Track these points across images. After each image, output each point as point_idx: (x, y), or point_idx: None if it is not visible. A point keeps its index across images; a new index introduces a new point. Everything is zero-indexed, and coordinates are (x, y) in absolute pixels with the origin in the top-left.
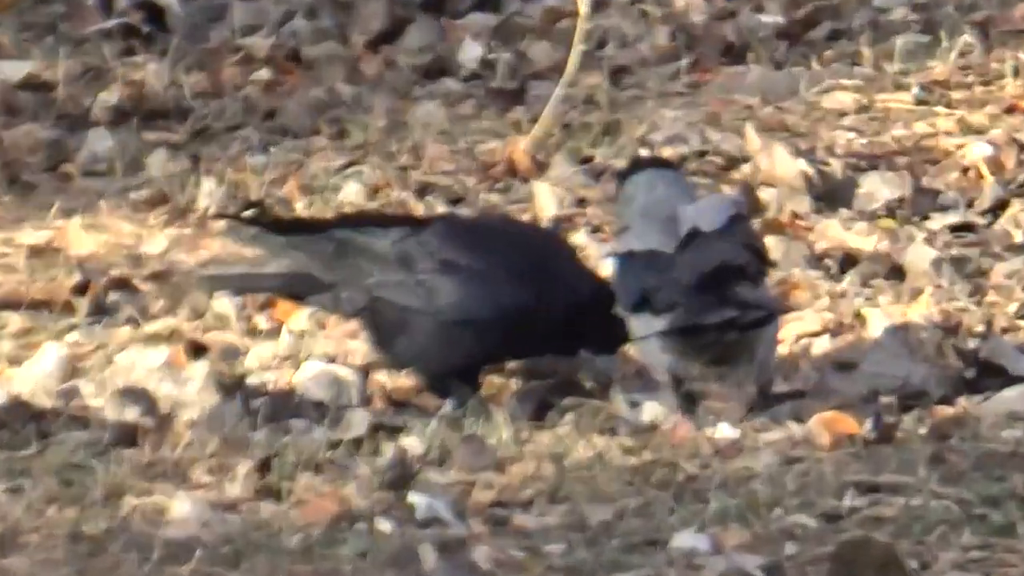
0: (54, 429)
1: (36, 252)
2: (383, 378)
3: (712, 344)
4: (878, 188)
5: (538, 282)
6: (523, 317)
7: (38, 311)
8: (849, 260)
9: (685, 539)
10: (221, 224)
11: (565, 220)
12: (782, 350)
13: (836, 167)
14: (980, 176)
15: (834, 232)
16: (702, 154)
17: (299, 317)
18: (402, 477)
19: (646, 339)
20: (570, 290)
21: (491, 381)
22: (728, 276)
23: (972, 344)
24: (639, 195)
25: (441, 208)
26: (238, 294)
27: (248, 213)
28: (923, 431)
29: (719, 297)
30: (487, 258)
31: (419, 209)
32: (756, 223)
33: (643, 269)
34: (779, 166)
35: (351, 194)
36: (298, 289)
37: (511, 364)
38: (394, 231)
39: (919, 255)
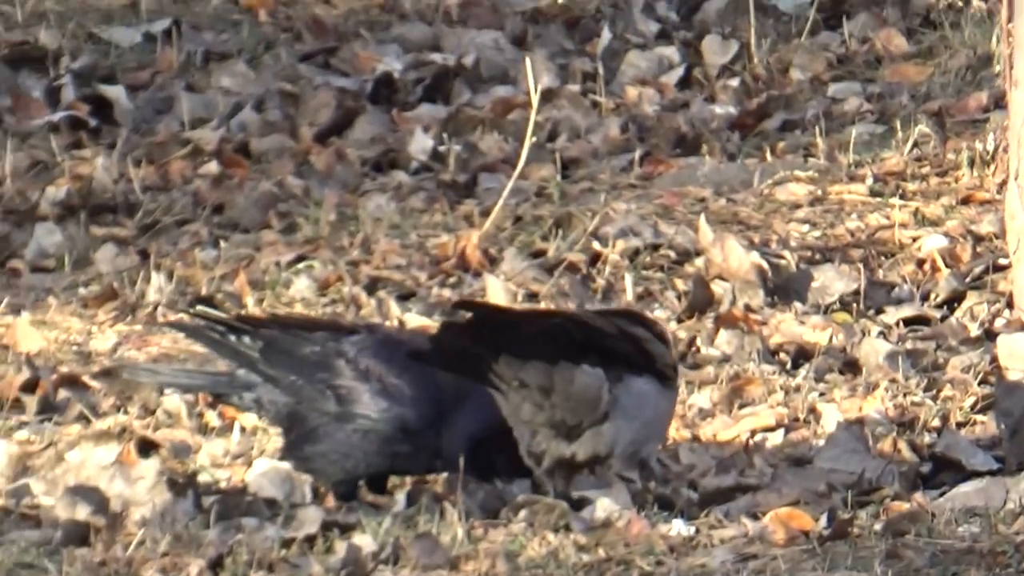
0: (5, 528)
1: None
2: None
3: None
4: (832, 281)
5: (442, 408)
6: (422, 438)
7: None
8: (803, 354)
9: None
10: (169, 319)
11: None
12: (734, 445)
13: (790, 260)
14: (935, 268)
15: (788, 326)
16: (655, 247)
17: (250, 414)
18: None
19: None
20: (474, 423)
21: (439, 479)
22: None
23: (928, 439)
24: None
25: (393, 303)
26: (167, 388)
27: (198, 309)
28: (878, 527)
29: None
30: (404, 375)
31: (370, 304)
32: (710, 317)
33: None
34: (732, 259)
35: (302, 289)
36: (222, 390)
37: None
38: (319, 335)
39: (874, 349)
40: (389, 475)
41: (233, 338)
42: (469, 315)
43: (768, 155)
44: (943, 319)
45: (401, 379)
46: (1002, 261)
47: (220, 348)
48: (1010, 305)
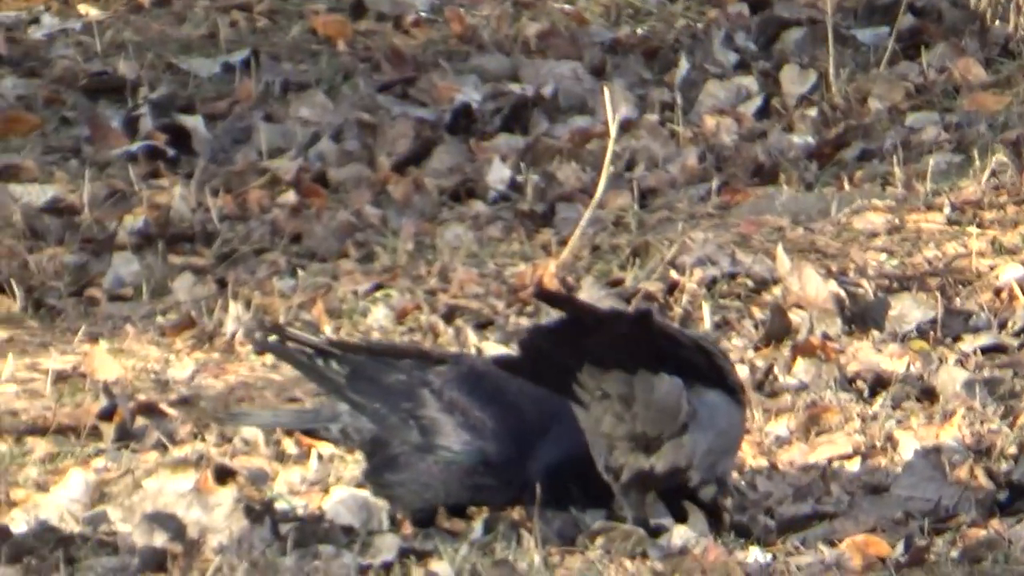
0: (82, 555)
1: (62, 377)
2: None
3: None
4: (910, 310)
5: (525, 442)
6: (503, 472)
7: (64, 436)
8: (880, 382)
9: None
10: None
11: None
12: (811, 473)
13: (867, 288)
14: (1013, 297)
15: (865, 354)
16: (732, 276)
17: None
18: None
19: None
20: (554, 452)
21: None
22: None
23: (1004, 466)
24: None
25: (470, 332)
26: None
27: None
28: (955, 554)
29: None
30: (488, 408)
31: (447, 333)
32: (787, 346)
33: None
34: (809, 288)
35: (379, 318)
36: (309, 425)
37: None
38: (406, 363)
39: (951, 377)
40: (469, 506)
41: (321, 362)
42: (556, 314)
43: (846, 184)
44: (1020, 348)
45: (484, 412)
46: None
47: (308, 371)
48: None
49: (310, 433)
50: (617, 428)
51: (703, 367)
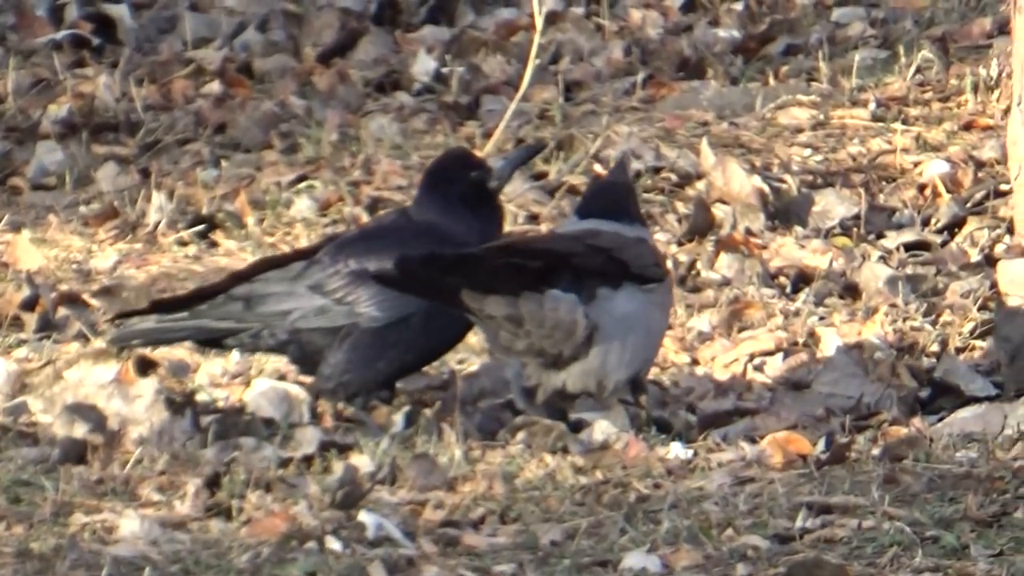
0: (2, 445)
1: None
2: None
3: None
4: (833, 206)
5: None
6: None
7: None
8: (803, 278)
9: (636, 559)
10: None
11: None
12: (734, 368)
13: (791, 184)
14: (937, 194)
15: (788, 250)
16: (657, 170)
17: None
18: (352, 496)
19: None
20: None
21: (436, 402)
22: None
23: (927, 364)
24: None
25: None
26: (152, 346)
27: (196, 229)
28: (876, 452)
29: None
30: (390, 256)
31: None
32: (710, 241)
33: None
34: (734, 183)
35: (302, 209)
36: (213, 338)
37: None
38: (292, 267)
39: (874, 274)
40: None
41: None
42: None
43: (771, 79)
44: (943, 244)
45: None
46: (1003, 187)
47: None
48: (1011, 231)
49: (212, 345)
50: (515, 343)
51: (602, 267)
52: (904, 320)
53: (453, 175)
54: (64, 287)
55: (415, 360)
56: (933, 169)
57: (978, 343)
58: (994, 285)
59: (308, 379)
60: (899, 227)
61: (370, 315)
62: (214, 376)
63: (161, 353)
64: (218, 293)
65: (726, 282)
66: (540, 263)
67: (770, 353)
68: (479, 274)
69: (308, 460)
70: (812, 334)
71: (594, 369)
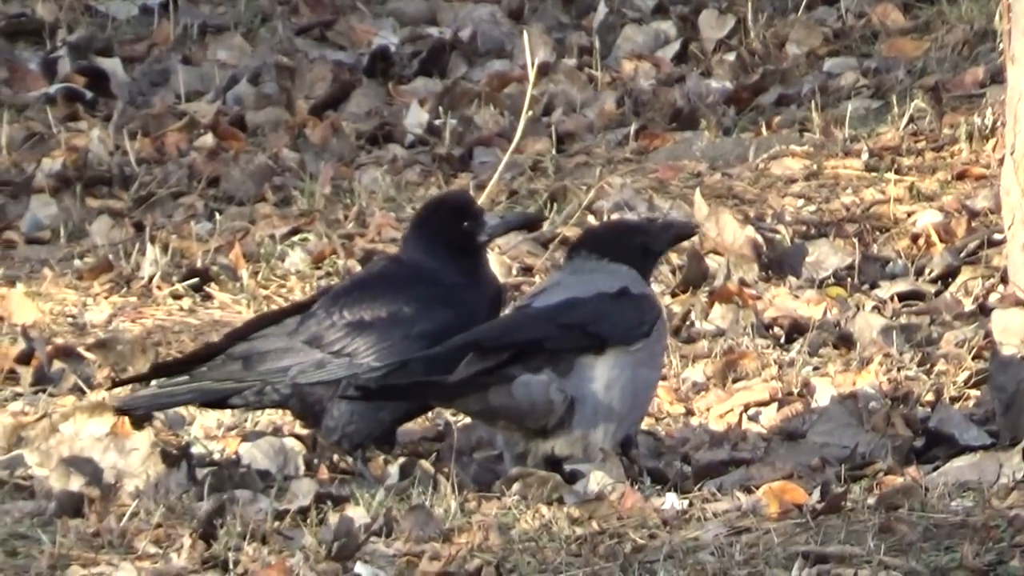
0: None
1: None
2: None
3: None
4: (827, 256)
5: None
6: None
7: None
8: (797, 328)
9: None
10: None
11: (512, 288)
12: (729, 419)
13: (784, 234)
14: (930, 244)
15: (782, 300)
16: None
17: None
18: (348, 548)
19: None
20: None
21: (432, 452)
22: None
23: (921, 413)
24: None
25: None
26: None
27: (190, 282)
28: (871, 501)
29: None
30: (384, 304)
31: None
32: (704, 292)
33: None
34: (727, 234)
35: (296, 262)
36: (214, 400)
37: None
38: (287, 322)
39: (868, 324)
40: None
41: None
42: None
43: (764, 130)
44: (937, 294)
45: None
46: (997, 236)
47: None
48: (1004, 280)
49: (214, 404)
50: (499, 428)
51: (578, 344)
52: (898, 370)
53: (446, 222)
54: (59, 340)
55: (417, 407)
56: (926, 219)
57: (973, 392)
58: (988, 334)
59: (304, 431)
60: (893, 277)
61: (369, 365)
62: (209, 429)
63: None
64: (216, 354)
65: (720, 333)
66: (508, 354)
67: (765, 403)
68: (438, 389)
69: (304, 512)
70: (806, 384)
71: (579, 437)
